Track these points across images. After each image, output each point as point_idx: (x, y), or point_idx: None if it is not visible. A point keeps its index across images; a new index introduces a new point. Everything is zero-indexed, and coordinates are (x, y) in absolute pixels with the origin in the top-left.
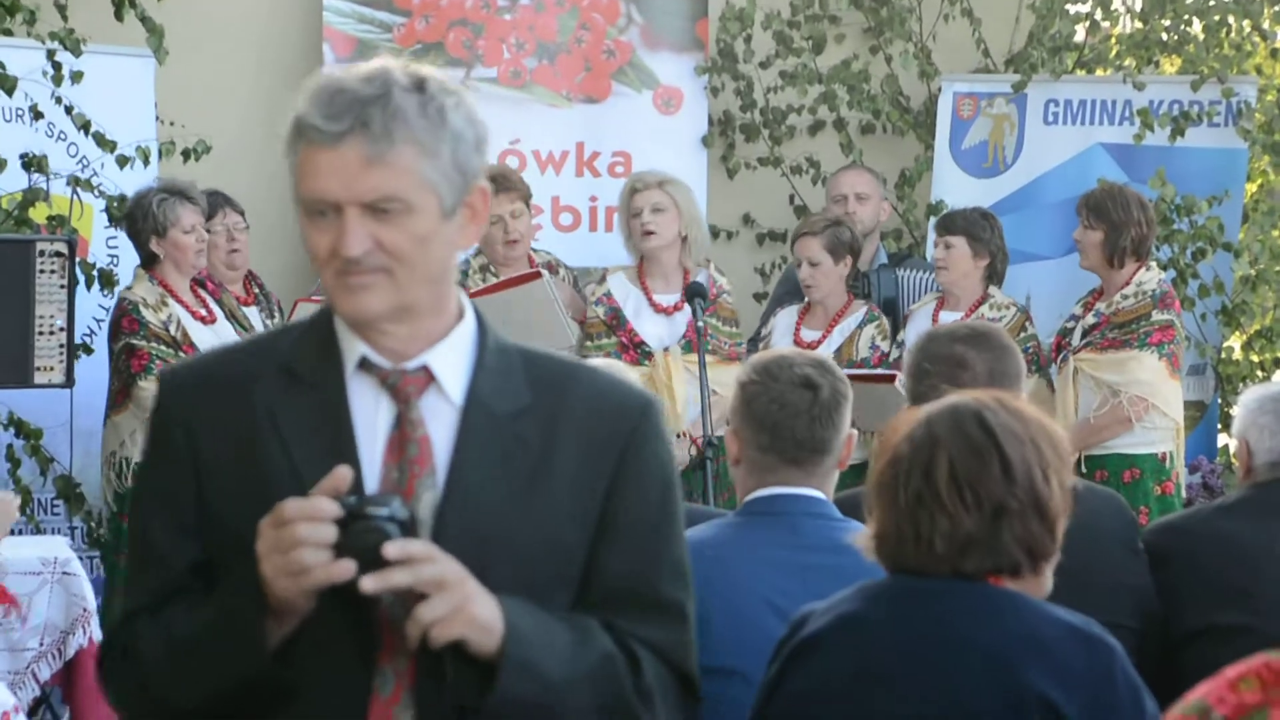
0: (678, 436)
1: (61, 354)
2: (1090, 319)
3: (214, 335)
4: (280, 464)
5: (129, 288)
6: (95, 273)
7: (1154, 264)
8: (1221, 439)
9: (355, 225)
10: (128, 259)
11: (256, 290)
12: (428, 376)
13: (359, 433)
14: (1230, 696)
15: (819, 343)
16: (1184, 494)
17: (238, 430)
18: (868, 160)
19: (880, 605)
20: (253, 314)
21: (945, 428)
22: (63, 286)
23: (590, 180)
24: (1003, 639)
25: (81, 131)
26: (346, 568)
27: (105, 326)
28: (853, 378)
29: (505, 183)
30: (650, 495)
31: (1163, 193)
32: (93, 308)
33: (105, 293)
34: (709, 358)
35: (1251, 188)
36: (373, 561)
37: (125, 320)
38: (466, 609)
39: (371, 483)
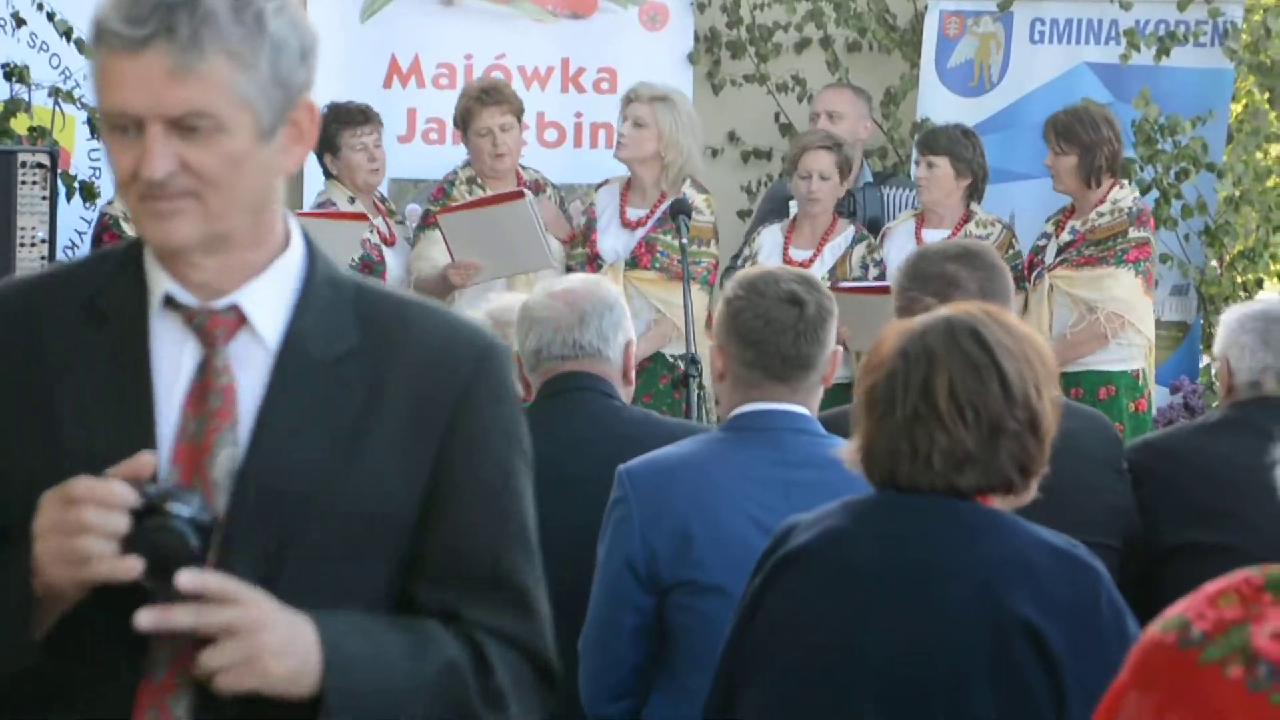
0: None
1: (43, 266)
2: (1065, 236)
3: None
4: (69, 415)
5: (110, 201)
6: (76, 184)
7: (1126, 181)
8: (1203, 360)
9: (159, 144)
10: (109, 171)
11: None
12: (239, 317)
13: (157, 380)
14: (1209, 612)
15: (810, 262)
16: (1154, 411)
17: (26, 374)
18: (854, 78)
19: (867, 521)
20: None
21: (942, 343)
22: (44, 198)
23: (575, 96)
24: (989, 563)
25: (64, 39)
26: (131, 566)
27: (85, 240)
28: (847, 289)
29: (495, 95)
30: (490, 456)
31: (1146, 112)
32: (74, 220)
33: (87, 205)
34: (655, 274)
35: (1236, 108)
36: (161, 566)
37: (107, 235)
38: (260, 662)
39: (166, 437)
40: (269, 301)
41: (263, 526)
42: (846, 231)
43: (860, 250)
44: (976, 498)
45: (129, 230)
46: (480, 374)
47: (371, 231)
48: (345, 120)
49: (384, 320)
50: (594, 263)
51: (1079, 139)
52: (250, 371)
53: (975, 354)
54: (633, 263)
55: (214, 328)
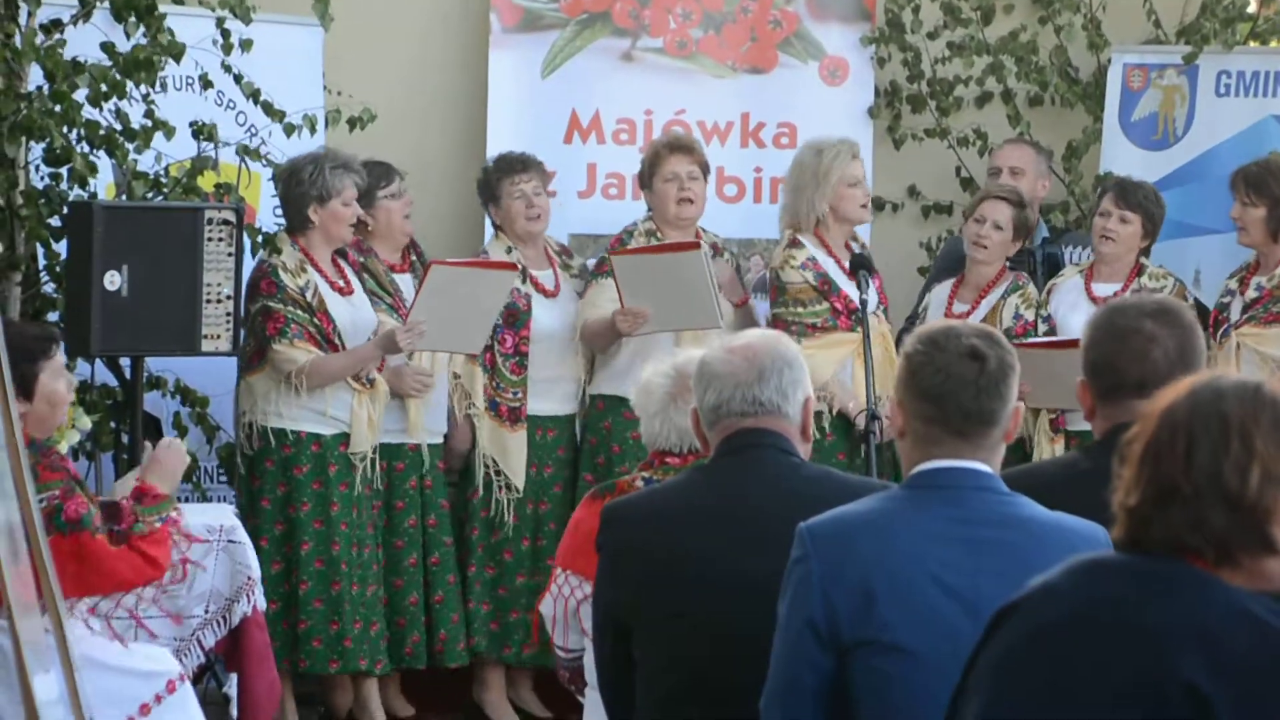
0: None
1: (228, 322)
2: (1251, 293)
3: (350, 306)
4: None
5: (281, 252)
6: (260, 237)
7: None
8: None
9: None
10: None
11: (414, 258)
12: None
13: None
14: None
15: (967, 315)
16: None
17: None
18: (1035, 132)
19: (1075, 574)
20: (405, 281)
21: (1185, 409)
22: (230, 254)
23: (755, 151)
24: (1167, 618)
25: (250, 100)
26: None
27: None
28: (1030, 345)
29: (685, 145)
30: None
31: None
32: None
33: None
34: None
35: None
36: None
37: (264, 283)
38: None
39: None
40: None
41: None
42: (1005, 282)
43: (1014, 300)
44: (1207, 566)
45: (286, 280)
46: None
47: (525, 281)
48: (504, 169)
49: None
50: (850, 315)
51: (1270, 191)
52: None
53: (1177, 414)
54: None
55: None
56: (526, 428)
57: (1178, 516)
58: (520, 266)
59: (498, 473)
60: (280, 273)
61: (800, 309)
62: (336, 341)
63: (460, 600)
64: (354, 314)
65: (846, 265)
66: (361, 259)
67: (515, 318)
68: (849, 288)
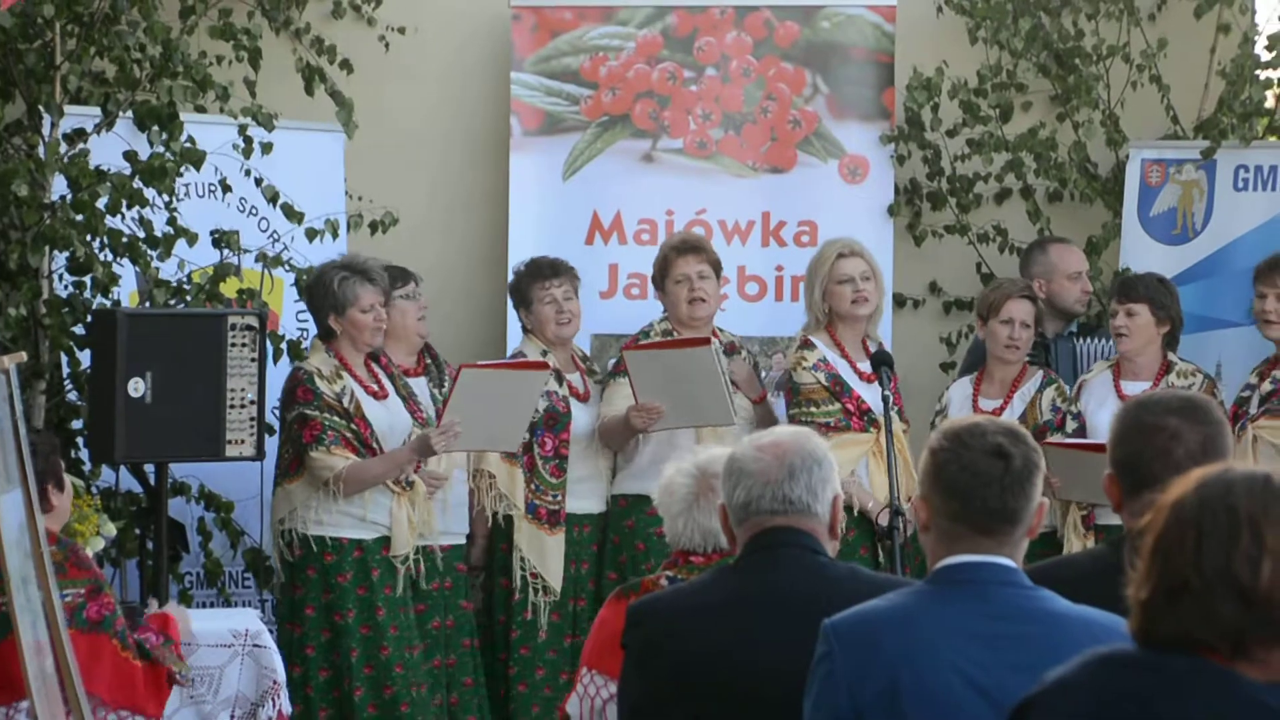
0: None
1: (252, 427)
2: (1268, 386)
3: (386, 410)
4: None
5: (305, 357)
6: (285, 345)
7: None
8: None
9: None
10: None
11: (429, 361)
12: None
13: None
14: None
15: (1000, 410)
16: None
17: None
18: (1055, 228)
19: (1088, 671)
20: (419, 384)
21: (1193, 501)
22: (253, 360)
23: (776, 250)
24: (1185, 714)
25: (270, 204)
26: None
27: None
28: (1057, 445)
29: (694, 245)
30: None
31: None
32: (282, 381)
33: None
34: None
35: None
36: None
37: (300, 390)
38: None
39: None
40: None
41: None
42: (1035, 377)
43: (1050, 393)
44: (1222, 660)
45: (322, 387)
46: None
47: (561, 384)
48: (536, 274)
49: None
50: (862, 417)
51: None
52: None
53: (1187, 508)
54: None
55: None
56: (565, 530)
57: (1189, 610)
58: (552, 365)
59: (534, 575)
60: (316, 379)
61: (814, 409)
62: (375, 445)
63: (476, 703)
64: (390, 417)
65: (858, 365)
66: None
67: (556, 421)
68: (861, 388)
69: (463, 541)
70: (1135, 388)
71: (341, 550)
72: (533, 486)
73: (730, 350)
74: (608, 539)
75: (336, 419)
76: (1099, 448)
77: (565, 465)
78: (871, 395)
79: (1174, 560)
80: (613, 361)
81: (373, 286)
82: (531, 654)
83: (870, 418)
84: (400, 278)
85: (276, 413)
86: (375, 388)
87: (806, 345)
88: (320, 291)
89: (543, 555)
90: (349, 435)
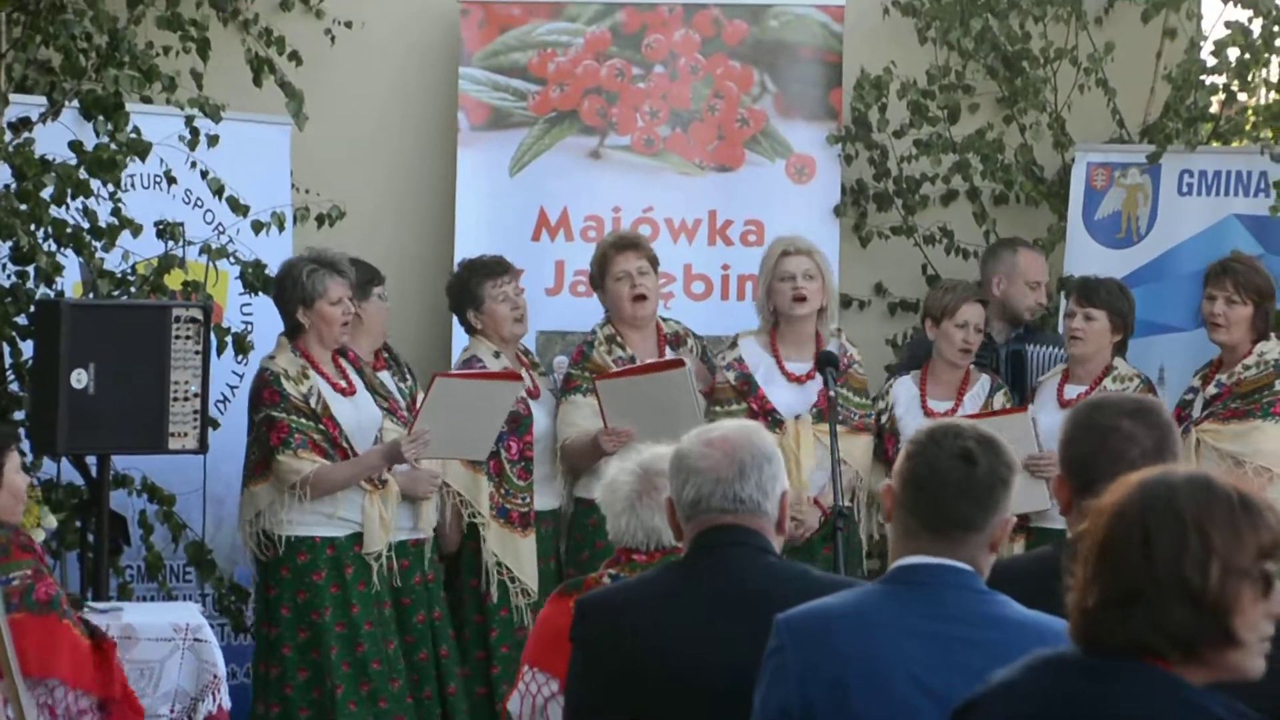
0: (805, 504)
1: (195, 420)
2: (1211, 390)
3: (354, 407)
4: None
5: (271, 357)
6: (229, 338)
7: (1273, 334)
8: None
9: None
10: (262, 325)
11: (386, 355)
12: None
13: None
14: None
15: (952, 412)
16: None
17: None
18: (1000, 230)
19: (1034, 674)
20: (385, 378)
21: (1137, 506)
22: (198, 352)
23: (722, 249)
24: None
25: (216, 196)
26: None
27: (238, 393)
28: (977, 416)
29: (631, 241)
30: None
31: None
32: (226, 374)
33: (239, 359)
34: (839, 428)
35: None
36: None
37: (266, 391)
38: None
39: None
40: None
41: None
42: (982, 381)
43: (999, 399)
44: (1152, 660)
45: (289, 388)
46: None
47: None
48: (485, 273)
49: None
50: (766, 416)
51: (1260, 289)
52: None
53: (1129, 514)
54: (818, 415)
55: None
56: (535, 530)
57: (1141, 618)
58: (521, 378)
59: (512, 579)
60: (282, 380)
61: (717, 409)
62: (344, 444)
63: (468, 693)
64: (358, 414)
65: (786, 365)
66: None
67: (518, 423)
68: (780, 388)
69: (433, 536)
70: (1074, 392)
71: (314, 549)
72: (502, 490)
73: (678, 340)
74: (570, 538)
75: (304, 421)
76: (1017, 409)
77: (531, 467)
78: (788, 396)
79: (1124, 567)
80: (560, 376)
81: (342, 280)
82: (512, 652)
83: (775, 418)
84: (376, 276)
85: (221, 406)
86: (343, 384)
87: (732, 345)
88: (289, 284)
89: (518, 558)
90: (317, 437)
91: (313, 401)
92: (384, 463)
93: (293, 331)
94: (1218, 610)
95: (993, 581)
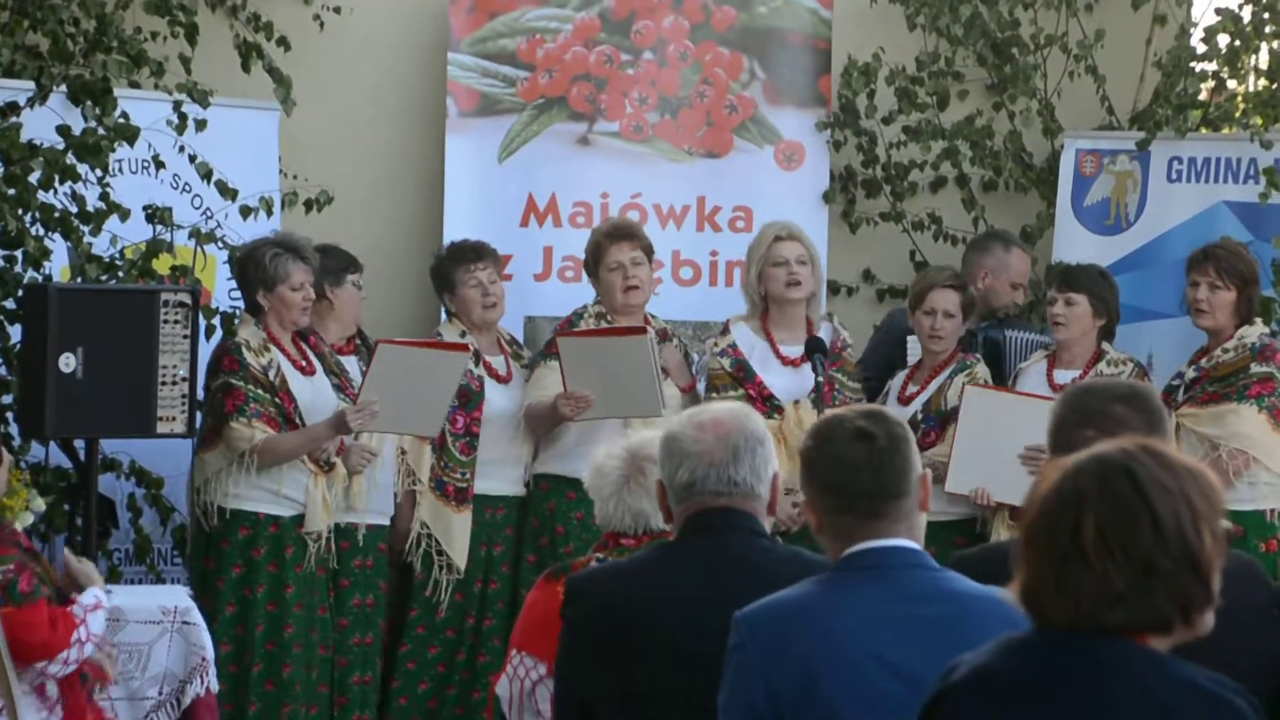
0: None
1: (184, 404)
2: (1191, 374)
3: (311, 386)
4: None
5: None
6: (217, 319)
7: (1257, 319)
8: None
9: None
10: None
11: (358, 341)
12: None
13: None
14: None
15: (918, 395)
16: None
17: None
18: (990, 217)
19: (1013, 659)
20: (350, 363)
21: (1093, 483)
22: (186, 337)
23: (711, 235)
24: (1118, 703)
25: (204, 180)
26: None
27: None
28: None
29: (626, 231)
30: None
31: None
32: None
33: None
34: None
35: None
36: None
37: (226, 359)
38: None
39: None
40: None
41: None
42: (954, 363)
43: (960, 379)
44: (1132, 636)
45: (249, 358)
46: None
47: (478, 364)
48: (459, 258)
49: None
50: (765, 402)
51: (1242, 275)
52: None
53: (1126, 494)
54: (817, 400)
55: None
56: (473, 509)
57: (1161, 591)
58: (472, 348)
59: (439, 553)
60: (244, 350)
61: (714, 395)
62: (297, 420)
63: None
64: (315, 394)
65: (781, 349)
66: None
67: (468, 398)
68: (777, 374)
69: (386, 523)
70: (1066, 376)
71: (257, 525)
72: (441, 463)
73: (663, 337)
74: (527, 521)
75: (260, 392)
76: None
77: (475, 444)
78: (785, 381)
79: (1134, 548)
80: (545, 344)
81: (304, 265)
82: (427, 632)
83: (774, 403)
84: (353, 264)
85: (208, 390)
86: (304, 363)
87: (724, 331)
88: (251, 266)
89: (448, 532)
90: (271, 410)
91: (272, 374)
92: (331, 433)
93: (253, 311)
94: (1210, 571)
95: (973, 567)
